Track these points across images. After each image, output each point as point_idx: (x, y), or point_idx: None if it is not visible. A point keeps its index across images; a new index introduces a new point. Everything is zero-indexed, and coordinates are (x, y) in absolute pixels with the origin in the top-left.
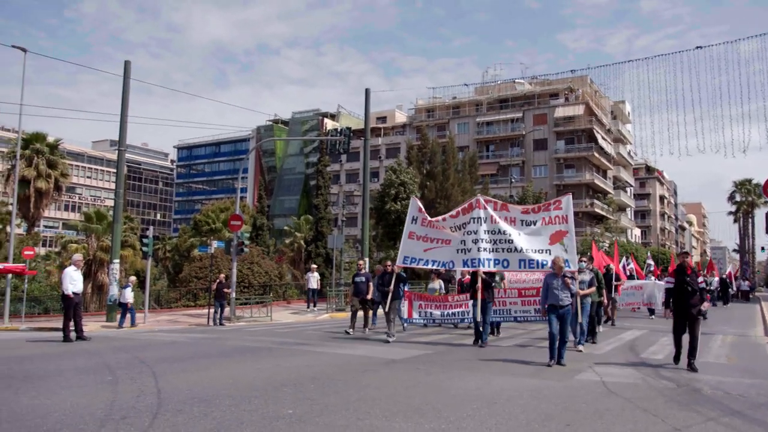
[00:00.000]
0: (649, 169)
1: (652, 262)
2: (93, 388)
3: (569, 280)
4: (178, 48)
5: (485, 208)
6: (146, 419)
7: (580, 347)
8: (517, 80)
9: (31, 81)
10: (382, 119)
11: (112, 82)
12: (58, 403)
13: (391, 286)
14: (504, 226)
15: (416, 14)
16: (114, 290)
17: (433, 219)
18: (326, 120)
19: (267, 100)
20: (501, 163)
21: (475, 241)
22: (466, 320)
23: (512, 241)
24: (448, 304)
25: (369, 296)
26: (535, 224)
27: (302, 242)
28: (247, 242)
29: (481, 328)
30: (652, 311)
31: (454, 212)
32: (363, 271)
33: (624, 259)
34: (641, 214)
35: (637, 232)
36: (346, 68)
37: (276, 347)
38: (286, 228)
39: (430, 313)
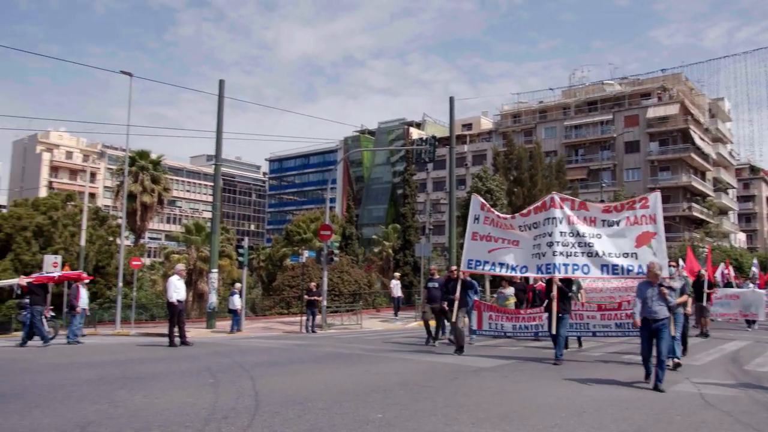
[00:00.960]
0: (753, 170)
1: (756, 270)
2: (197, 390)
3: (666, 290)
4: (269, 64)
5: (561, 208)
6: (245, 419)
7: (677, 360)
8: (605, 81)
9: (136, 102)
10: (468, 126)
11: (209, 100)
12: (167, 402)
13: (457, 294)
14: (583, 227)
15: (501, 19)
16: (213, 298)
17: (498, 216)
18: (411, 129)
19: (353, 111)
20: (591, 167)
21: (550, 244)
22: (539, 334)
23: (592, 244)
24: (521, 316)
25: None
26: (618, 224)
27: (390, 251)
28: (336, 252)
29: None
30: (751, 322)
31: (525, 210)
32: (437, 277)
33: (722, 265)
34: (746, 218)
35: (742, 236)
36: (431, 76)
37: (365, 354)
38: (374, 237)
39: (501, 325)
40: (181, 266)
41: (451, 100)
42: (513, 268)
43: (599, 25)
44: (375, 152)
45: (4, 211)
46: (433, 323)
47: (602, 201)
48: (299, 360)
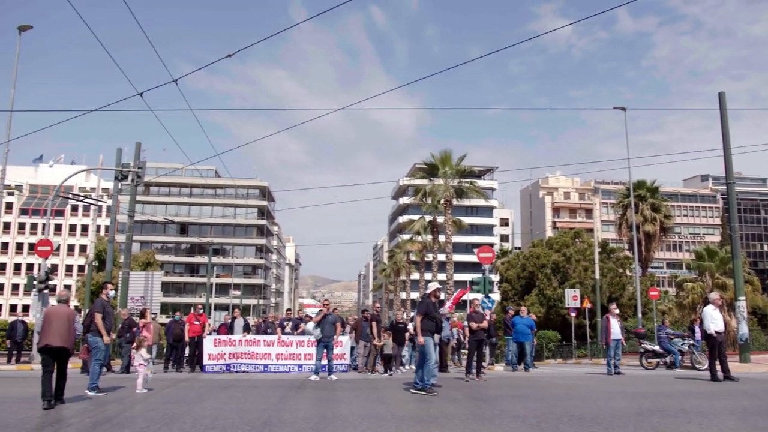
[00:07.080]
0: None
1: None
2: None
3: None
4: (762, 62)
5: None
6: None
7: None
8: None
9: (623, 134)
10: None
11: (696, 117)
12: None
13: None
14: None
15: None
16: (744, 329)
17: None
18: None
19: None
20: None
21: None
22: None
23: None
24: None
25: None
26: None
27: None
28: None
29: None
30: None
31: None
32: None
33: None
34: None
35: None
36: None
37: None
38: None
39: None
40: (715, 295)
41: None
42: None
43: None
44: None
45: (525, 252)
46: None
47: None
48: None
